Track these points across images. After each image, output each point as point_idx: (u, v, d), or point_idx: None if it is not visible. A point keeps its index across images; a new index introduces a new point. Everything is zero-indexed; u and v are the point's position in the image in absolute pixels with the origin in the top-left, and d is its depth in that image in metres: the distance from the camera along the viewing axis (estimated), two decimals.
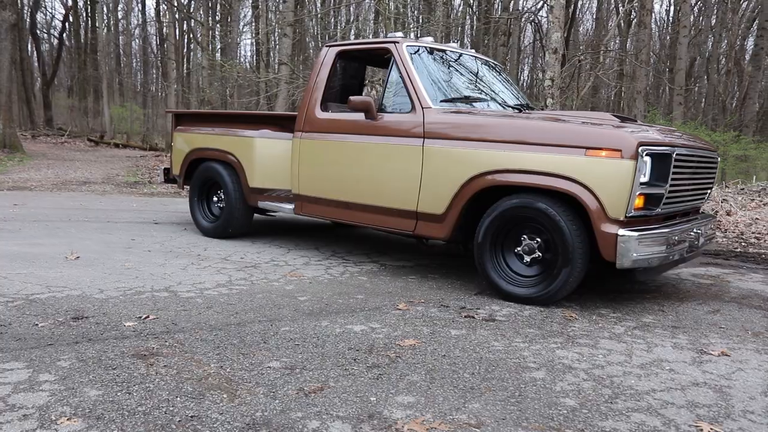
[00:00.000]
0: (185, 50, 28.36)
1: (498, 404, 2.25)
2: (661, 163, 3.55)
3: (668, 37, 28.24)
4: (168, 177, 6.36)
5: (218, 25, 22.37)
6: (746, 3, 29.07)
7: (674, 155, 3.59)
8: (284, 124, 5.33)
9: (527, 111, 4.71)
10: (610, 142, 3.47)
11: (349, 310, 3.49)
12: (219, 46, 21.70)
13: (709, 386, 2.52)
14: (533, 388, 2.43)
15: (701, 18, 28.82)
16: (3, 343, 2.69)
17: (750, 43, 29.74)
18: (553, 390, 2.41)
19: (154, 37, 33.24)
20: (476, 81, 4.87)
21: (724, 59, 28.96)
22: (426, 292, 4.01)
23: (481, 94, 4.73)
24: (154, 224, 6.30)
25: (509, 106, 4.74)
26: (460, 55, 4.96)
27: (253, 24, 28.86)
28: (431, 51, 4.69)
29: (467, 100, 4.50)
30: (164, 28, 28.89)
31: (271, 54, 23.72)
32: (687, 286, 4.55)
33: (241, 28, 26.97)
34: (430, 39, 4.95)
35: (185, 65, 25.66)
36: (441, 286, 4.21)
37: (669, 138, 3.71)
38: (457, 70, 4.81)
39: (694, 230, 3.98)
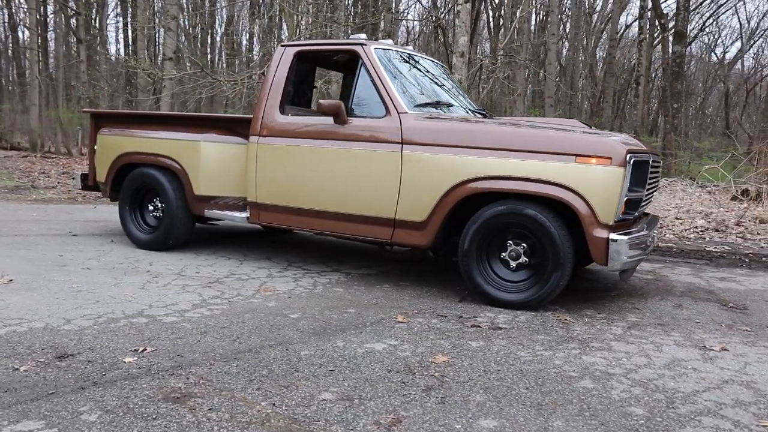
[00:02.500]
0: (39, 40, 25.66)
1: (577, 420, 2.24)
2: (640, 169, 3.75)
3: (530, 45, 30.16)
4: (86, 184, 5.70)
5: (83, 15, 20.58)
6: (596, 15, 31.93)
7: (650, 161, 3.81)
8: (231, 127, 4.98)
9: (493, 117, 4.77)
10: (600, 150, 3.59)
11: (353, 327, 3.32)
12: (87, 37, 19.95)
13: (737, 383, 2.68)
14: (594, 399, 2.44)
15: (560, 27, 31.12)
16: None
17: (599, 52, 32.64)
18: (613, 399, 2.44)
19: (1, 26, 29.84)
20: (438, 85, 4.85)
21: (579, 65, 31.47)
22: (411, 302, 3.92)
23: (447, 98, 4.71)
24: (73, 236, 5.61)
25: (474, 112, 4.77)
26: (418, 58, 4.92)
27: (121, 18, 26.87)
28: (396, 54, 4.60)
29: (438, 105, 4.47)
30: (14, 14, 26.05)
31: (142, 47, 22.16)
32: (635, 282, 4.85)
33: (107, 21, 25.01)
34: (390, 41, 4.86)
35: (47, 57, 23.29)
36: (421, 295, 4.14)
37: (644, 145, 3.92)
38: (419, 74, 4.76)
39: (653, 231, 4.26)
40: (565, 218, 3.75)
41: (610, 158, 3.56)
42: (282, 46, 4.76)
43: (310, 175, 4.41)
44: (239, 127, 4.93)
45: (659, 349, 3.12)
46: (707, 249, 6.72)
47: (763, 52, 32.02)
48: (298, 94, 5.07)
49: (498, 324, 3.49)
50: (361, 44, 4.39)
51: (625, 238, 3.57)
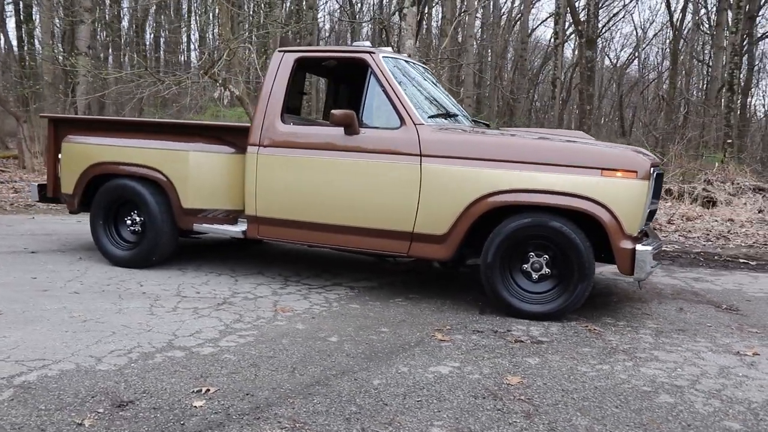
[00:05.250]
0: None
1: None
2: (657, 181, 3.90)
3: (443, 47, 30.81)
4: (45, 195, 5.17)
5: None
6: (504, 17, 33.14)
7: (662, 174, 3.97)
8: (221, 136, 4.69)
9: (501, 128, 4.79)
10: (626, 163, 3.69)
11: (399, 349, 3.21)
12: None
13: None
14: (686, 415, 2.49)
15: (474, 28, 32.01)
16: None
17: (507, 54, 33.91)
18: (703, 414, 2.51)
19: None
20: (440, 94, 4.80)
21: (491, 67, 32.51)
22: (436, 317, 3.86)
23: (453, 108, 4.67)
24: (32, 254, 5.05)
25: (476, 122, 4.77)
26: (416, 65, 4.84)
27: (12, 5, 24.61)
28: (400, 62, 4.50)
29: (448, 116, 4.42)
30: None
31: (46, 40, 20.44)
32: (624, 285, 5.04)
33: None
34: (389, 49, 4.75)
35: None
36: (440, 308, 4.08)
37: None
38: (421, 82, 4.68)
39: (661, 240, 4.45)
40: (585, 229, 3.82)
41: (636, 171, 3.66)
42: (281, 51, 4.52)
43: (318, 188, 4.23)
44: (229, 136, 4.65)
45: (700, 357, 3.25)
46: (663, 249, 7.13)
47: (648, 58, 34.50)
48: (292, 102, 4.85)
49: (536, 337, 3.50)
50: (370, 52, 4.26)
51: (649, 248, 3.69)
